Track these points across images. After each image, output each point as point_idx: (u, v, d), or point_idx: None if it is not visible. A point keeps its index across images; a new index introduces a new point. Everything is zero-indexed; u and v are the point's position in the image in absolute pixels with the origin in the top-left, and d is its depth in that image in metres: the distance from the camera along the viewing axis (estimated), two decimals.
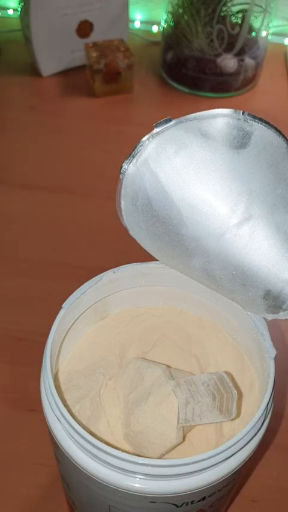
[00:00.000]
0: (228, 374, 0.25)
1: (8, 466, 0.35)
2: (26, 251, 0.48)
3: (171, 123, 0.23)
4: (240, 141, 0.23)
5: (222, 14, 0.61)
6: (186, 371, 0.28)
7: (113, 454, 0.20)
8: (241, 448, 0.21)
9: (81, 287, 0.26)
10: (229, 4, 0.61)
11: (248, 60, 0.67)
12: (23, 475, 0.34)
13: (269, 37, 0.68)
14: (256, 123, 0.22)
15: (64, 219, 0.52)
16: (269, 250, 0.23)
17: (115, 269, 0.27)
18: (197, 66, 0.66)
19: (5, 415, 0.37)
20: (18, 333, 0.42)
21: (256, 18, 0.63)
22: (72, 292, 0.26)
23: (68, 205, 0.53)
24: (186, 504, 0.22)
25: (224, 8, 0.61)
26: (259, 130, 0.23)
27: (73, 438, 0.21)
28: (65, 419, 0.21)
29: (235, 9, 0.62)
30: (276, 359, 0.24)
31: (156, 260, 0.27)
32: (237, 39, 0.64)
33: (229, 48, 0.65)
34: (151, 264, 0.28)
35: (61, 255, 0.48)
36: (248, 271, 0.23)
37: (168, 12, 0.66)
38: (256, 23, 0.64)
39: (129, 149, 0.23)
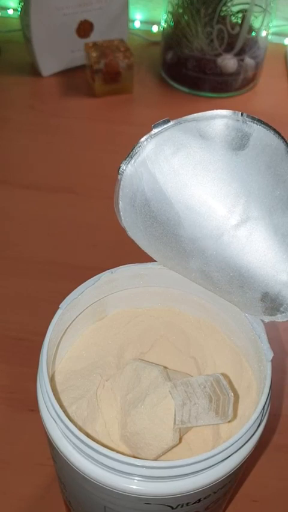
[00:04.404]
0: (225, 376, 0.25)
1: (8, 466, 0.35)
2: (26, 251, 0.48)
3: (169, 124, 0.23)
4: (239, 142, 0.23)
5: (222, 14, 0.61)
6: (183, 372, 0.28)
7: (108, 456, 0.20)
8: (237, 450, 0.21)
9: (79, 287, 0.26)
10: (229, 4, 0.61)
11: (248, 60, 0.67)
12: (23, 475, 0.34)
13: (269, 37, 0.68)
14: (255, 124, 0.22)
15: (64, 218, 0.52)
16: (267, 252, 0.23)
17: (113, 270, 0.27)
18: (197, 66, 0.66)
19: (5, 415, 0.37)
20: (18, 333, 0.42)
21: (256, 18, 0.63)
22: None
23: (67, 205, 0.53)
24: (182, 506, 0.22)
25: (224, 8, 0.61)
26: (258, 132, 0.22)
27: (69, 439, 0.21)
28: (61, 420, 0.21)
29: (235, 9, 0.62)
30: (273, 360, 0.24)
31: (155, 261, 0.27)
32: (237, 39, 0.64)
33: (229, 48, 0.64)
34: (149, 265, 0.28)
35: (61, 255, 0.48)
36: (246, 273, 0.23)
37: (168, 12, 0.66)
38: (256, 23, 0.64)
39: (129, 149, 0.23)
